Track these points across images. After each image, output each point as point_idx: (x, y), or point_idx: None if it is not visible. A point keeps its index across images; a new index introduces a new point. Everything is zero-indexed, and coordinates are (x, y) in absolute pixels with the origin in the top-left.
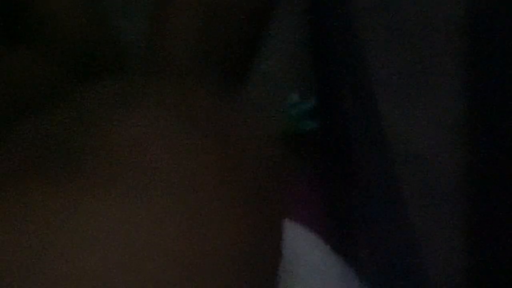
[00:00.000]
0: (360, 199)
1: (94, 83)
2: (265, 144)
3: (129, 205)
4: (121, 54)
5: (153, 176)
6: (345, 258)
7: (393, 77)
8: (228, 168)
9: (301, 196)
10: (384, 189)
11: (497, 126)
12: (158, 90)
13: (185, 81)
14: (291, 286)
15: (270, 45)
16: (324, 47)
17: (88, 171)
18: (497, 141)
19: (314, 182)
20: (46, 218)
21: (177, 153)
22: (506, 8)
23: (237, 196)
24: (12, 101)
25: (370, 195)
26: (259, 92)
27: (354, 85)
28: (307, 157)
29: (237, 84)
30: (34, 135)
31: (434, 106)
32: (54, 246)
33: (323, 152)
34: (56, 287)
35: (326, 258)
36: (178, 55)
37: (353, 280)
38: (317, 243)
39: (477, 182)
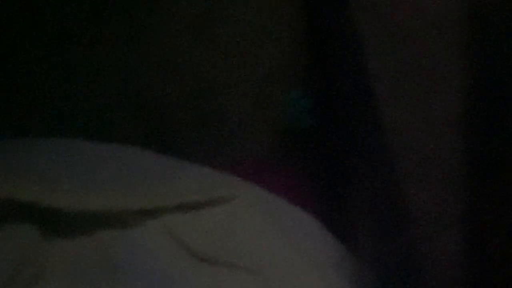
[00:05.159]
0: (360, 195)
1: None
2: None
3: None
4: None
5: None
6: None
7: (392, 73)
8: None
9: (300, 191)
10: (384, 184)
11: (497, 123)
12: None
13: None
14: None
15: (270, 42)
16: (324, 45)
17: None
18: (496, 138)
19: (313, 178)
20: None
21: None
22: (506, 7)
23: None
24: None
25: (370, 191)
26: (260, 89)
27: (353, 81)
28: (307, 152)
29: None
30: None
31: (434, 102)
32: None
33: (322, 148)
34: None
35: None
36: None
37: (351, 261)
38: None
39: (477, 178)
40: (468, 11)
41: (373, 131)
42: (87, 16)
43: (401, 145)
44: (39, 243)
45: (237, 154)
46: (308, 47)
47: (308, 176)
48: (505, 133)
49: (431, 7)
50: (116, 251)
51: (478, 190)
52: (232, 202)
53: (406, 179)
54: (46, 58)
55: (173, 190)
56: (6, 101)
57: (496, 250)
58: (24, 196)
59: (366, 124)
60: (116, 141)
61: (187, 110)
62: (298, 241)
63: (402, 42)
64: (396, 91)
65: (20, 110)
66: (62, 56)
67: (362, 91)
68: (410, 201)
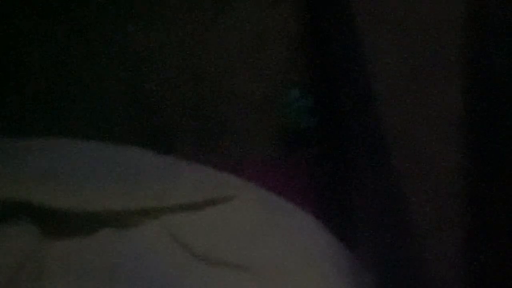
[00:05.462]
0: (360, 195)
1: None
2: None
3: None
4: None
5: None
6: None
7: (392, 73)
8: None
9: (300, 191)
10: (384, 185)
11: (497, 123)
12: None
13: None
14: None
15: (270, 41)
16: (324, 45)
17: None
18: (496, 138)
19: (313, 178)
20: None
21: None
22: (506, 7)
23: None
24: None
25: (370, 191)
26: (260, 88)
27: (353, 81)
28: (307, 152)
29: None
30: None
31: (433, 103)
32: None
33: (322, 148)
34: None
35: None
36: None
37: (350, 260)
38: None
39: (477, 178)
40: (468, 11)
41: (373, 131)
42: (87, 15)
43: (401, 145)
44: (39, 243)
45: (237, 154)
46: (308, 47)
47: (308, 176)
48: (505, 133)
49: (431, 7)
50: (116, 251)
51: (478, 190)
52: (232, 202)
53: (406, 179)
54: (46, 58)
55: (173, 190)
56: (6, 101)
57: (496, 250)
58: (24, 196)
59: (366, 124)
60: (116, 141)
61: (187, 110)
62: (298, 241)
63: (402, 42)
64: (396, 91)
65: (20, 110)
66: (62, 56)
67: (362, 91)
68: (410, 201)
